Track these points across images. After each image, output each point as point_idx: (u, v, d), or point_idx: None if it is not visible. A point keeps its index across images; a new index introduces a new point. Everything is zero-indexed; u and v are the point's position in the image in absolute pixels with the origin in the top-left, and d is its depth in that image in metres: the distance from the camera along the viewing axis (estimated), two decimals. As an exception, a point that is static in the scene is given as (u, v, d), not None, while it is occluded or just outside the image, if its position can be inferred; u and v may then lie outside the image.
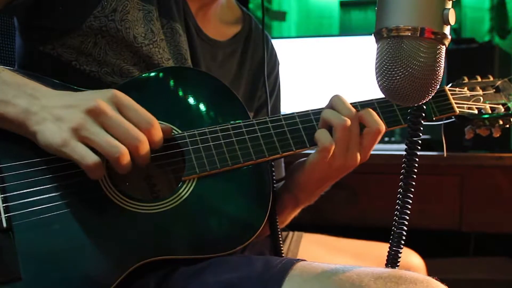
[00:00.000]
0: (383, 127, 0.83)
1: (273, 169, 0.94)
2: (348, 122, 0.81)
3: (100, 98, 0.69)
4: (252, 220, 0.79)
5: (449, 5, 0.56)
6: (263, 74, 1.02)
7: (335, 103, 0.84)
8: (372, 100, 0.89)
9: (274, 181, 0.94)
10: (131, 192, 0.75)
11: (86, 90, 0.78)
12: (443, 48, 0.57)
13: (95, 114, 0.68)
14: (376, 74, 0.58)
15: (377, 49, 0.58)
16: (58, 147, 0.67)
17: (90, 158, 0.67)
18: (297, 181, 0.91)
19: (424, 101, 0.59)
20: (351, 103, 0.87)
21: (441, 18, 0.55)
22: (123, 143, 0.69)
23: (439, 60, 0.57)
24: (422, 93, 0.57)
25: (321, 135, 0.82)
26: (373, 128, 0.82)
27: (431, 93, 0.58)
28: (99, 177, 0.70)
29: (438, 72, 0.57)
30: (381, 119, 0.85)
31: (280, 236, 0.94)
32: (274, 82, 1.11)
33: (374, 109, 0.87)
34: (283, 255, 0.95)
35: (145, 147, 0.71)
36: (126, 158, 0.68)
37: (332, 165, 0.84)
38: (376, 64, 0.58)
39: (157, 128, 0.73)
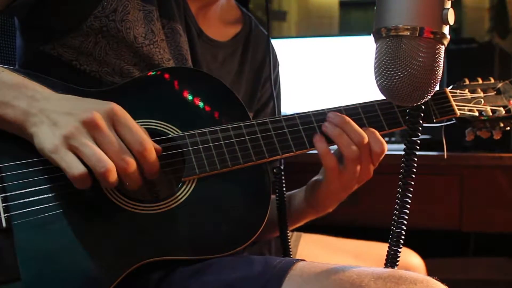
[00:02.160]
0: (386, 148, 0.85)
1: (282, 173, 0.94)
2: (357, 153, 0.83)
3: (97, 111, 0.68)
4: (252, 221, 0.79)
5: (448, 4, 0.56)
6: (269, 76, 1.02)
7: (346, 128, 0.84)
8: (372, 102, 0.89)
9: (284, 188, 0.95)
10: (131, 193, 0.75)
11: (87, 91, 0.78)
12: (442, 48, 0.57)
13: (89, 126, 0.67)
14: (375, 74, 0.58)
15: (376, 48, 0.58)
16: (49, 152, 0.67)
17: (76, 168, 0.66)
18: (316, 197, 0.93)
19: (423, 101, 0.59)
20: (351, 105, 0.88)
21: (440, 17, 0.55)
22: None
23: (438, 60, 0.57)
24: (421, 93, 0.57)
25: (325, 158, 0.84)
26: (379, 151, 0.85)
27: (430, 93, 0.58)
28: (84, 187, 0.68)
29: (437, 72, 0.57)
30: (381, 120, 0.86)
31: (289, 239, 0.95)
32: (274, 83, 1.11)
33: (375, 111, 0.87)
34: (291, 256, 0.95)
35: (132, 170, 0.69)
36: (112, 174, 0.67)
37: (343, 183, 0.87)
38: (375, 64, 0.58)
39: (150, 151, 0.71)
